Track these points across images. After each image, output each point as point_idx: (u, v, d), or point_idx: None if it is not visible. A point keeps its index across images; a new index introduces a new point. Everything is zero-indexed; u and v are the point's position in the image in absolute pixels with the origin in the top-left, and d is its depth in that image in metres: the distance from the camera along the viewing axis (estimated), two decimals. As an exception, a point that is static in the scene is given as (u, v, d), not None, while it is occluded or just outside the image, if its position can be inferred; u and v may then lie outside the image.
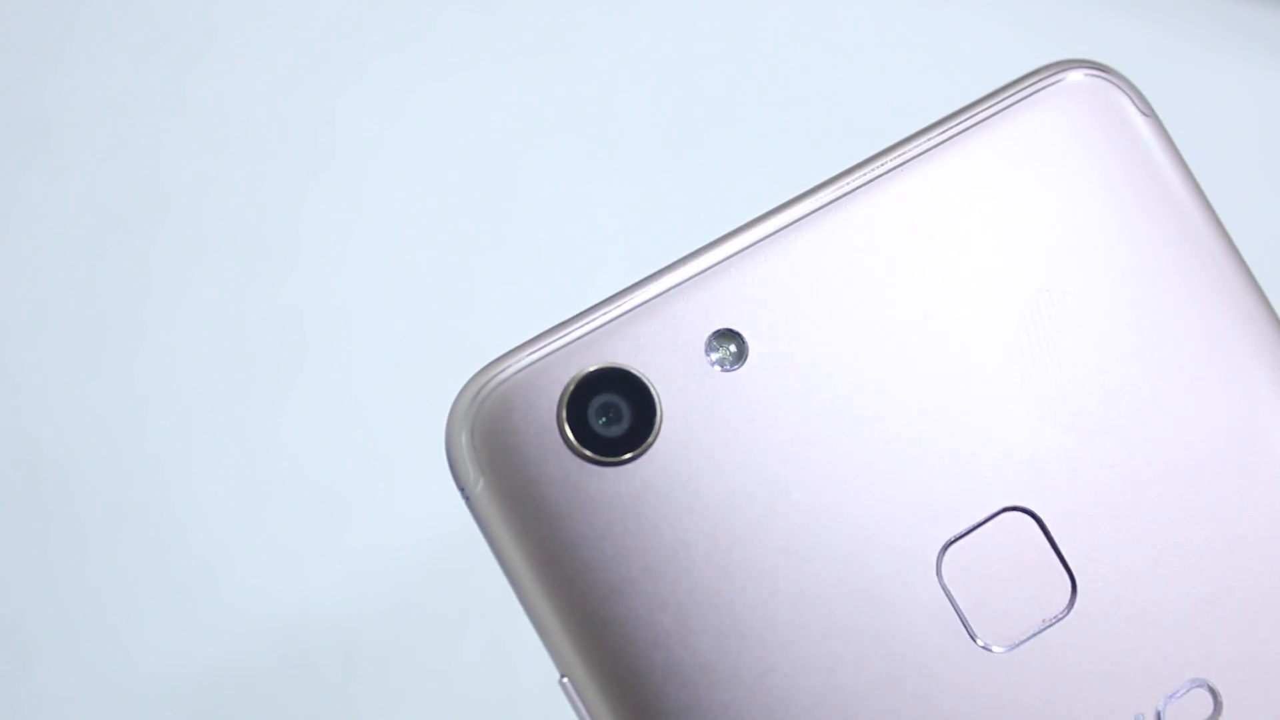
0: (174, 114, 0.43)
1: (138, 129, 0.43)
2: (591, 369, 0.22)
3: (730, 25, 0.43)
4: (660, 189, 0.42)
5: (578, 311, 0.22)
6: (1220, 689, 0.22)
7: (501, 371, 0.22)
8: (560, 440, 0.22)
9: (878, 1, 0.43)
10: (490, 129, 0.43)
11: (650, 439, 0.22)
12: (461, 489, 0.22)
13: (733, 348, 0.22)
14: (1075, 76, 0.24)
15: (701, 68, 0.43)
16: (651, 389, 0.22)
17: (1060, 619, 0.22)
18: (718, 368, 0.22)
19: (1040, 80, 0.24)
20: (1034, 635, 0.22)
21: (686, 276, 0.22)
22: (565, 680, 0.22)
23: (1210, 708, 0.22)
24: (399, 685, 0.39)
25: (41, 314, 0.42)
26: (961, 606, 0.22)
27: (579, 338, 0.22)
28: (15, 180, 0.43)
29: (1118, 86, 0.24)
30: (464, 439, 0.22)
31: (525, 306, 0.41)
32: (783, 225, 0.23)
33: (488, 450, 0.22)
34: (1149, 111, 0.24)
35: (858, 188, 0.23)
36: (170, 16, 0.44)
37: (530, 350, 0.22)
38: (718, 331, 0.22)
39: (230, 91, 0.43)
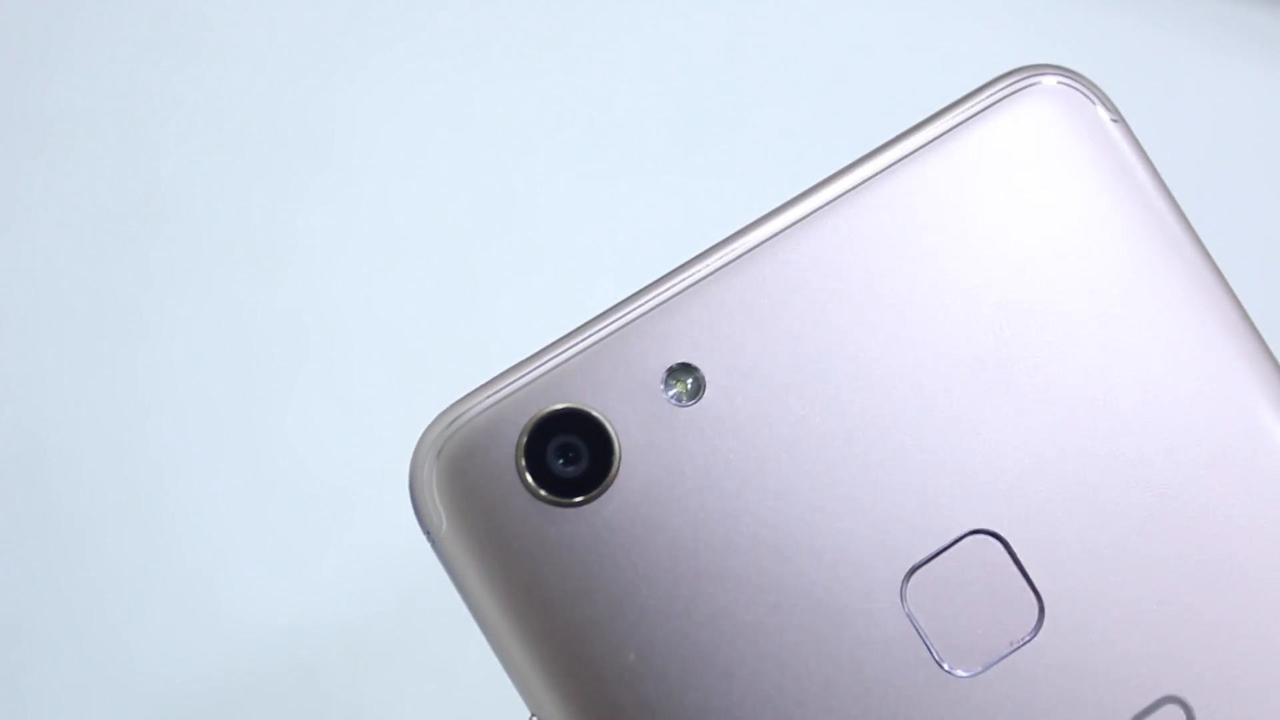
0: (173, 114, 0.43)
1: (137, 129, 0.43)
2: (548, 411, 0.22)
3: (733, 25, 0.43)
4: (662, 189, 0.42)
5: (536, 350, 0.22)
6: (1193, 704, 0.22)
7: (461, 415, 0.22)
8: (520, 483, 0.22)
9: (879, 2, 0.43)
10: (491, 127, 0.43)
11: (610, 477, 0.22)
12: (426, 532, 0.22)
13: (689, 382, 0.22)
14: (1045, 82, 0.23)
15: (704, 67, 0.43)
16: (609, 428, 0.22)
17: (1028, 641, 0.22)
18: (674, 403, 0.22)
19: (1005, 88, 0.23)
20: (1001, 659, 0.22)
21: (641, 312, 0.22)
22: (535, 719, 0.22)
23: (1183, 722, 0.22)
24: (403, 683, 0.39)
25: (42, 314, 0.42)
26: (927, 632, 0.22)
27: (535, 379, 0.22)
28: (15, 180, 0.43)
29: (1085, 93, 0.23)
30: (426, 483, 0.22)
31: (526, 305, 0.41)
32: (737, 255, 0.23)
33: (450, 494, 0.22)
34: (1118, 117, 0.23)
35: (813, 212, 0.23)
36: (169, 16, 0.44)
37: (488, 393, 0.22)
38: (673, 366, 0.22)
39: (230, 90, 0.43)
